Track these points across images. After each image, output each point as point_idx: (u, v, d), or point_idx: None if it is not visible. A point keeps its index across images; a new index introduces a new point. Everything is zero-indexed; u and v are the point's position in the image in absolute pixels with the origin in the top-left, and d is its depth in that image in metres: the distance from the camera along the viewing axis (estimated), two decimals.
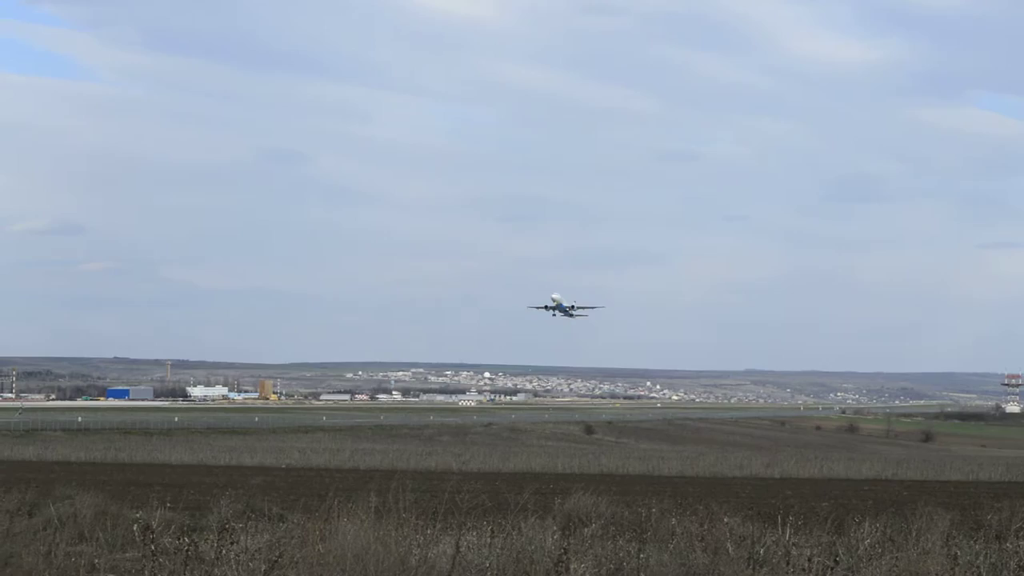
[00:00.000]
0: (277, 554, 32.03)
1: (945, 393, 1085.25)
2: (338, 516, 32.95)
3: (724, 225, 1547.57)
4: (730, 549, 37.18)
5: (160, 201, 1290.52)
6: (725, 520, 41.00)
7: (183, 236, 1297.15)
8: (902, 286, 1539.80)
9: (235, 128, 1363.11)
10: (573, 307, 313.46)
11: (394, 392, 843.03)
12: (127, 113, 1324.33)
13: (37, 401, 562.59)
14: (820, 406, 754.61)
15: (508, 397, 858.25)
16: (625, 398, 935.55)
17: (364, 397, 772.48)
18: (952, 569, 34.11)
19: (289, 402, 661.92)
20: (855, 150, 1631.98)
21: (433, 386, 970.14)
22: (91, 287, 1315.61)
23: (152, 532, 37.46)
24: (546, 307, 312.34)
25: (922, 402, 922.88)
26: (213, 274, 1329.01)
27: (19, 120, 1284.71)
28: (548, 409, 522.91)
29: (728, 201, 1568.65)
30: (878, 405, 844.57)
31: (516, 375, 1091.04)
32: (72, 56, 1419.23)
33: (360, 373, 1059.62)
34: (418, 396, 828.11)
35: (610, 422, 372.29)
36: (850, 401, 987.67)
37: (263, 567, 31.16)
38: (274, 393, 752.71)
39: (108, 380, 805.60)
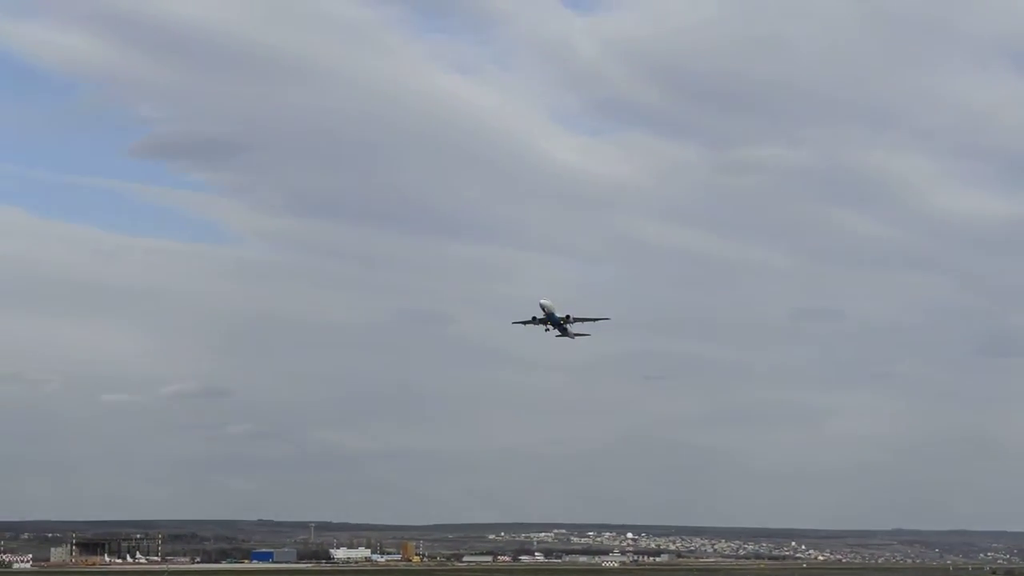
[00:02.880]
0: None
1: None
2: None
3: (868, 382, 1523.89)
4: None
5: (305, 363, 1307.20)
6: None
7: (326, 398, 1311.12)
8: None
9: (378, 289, 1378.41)
10: (568, 318, 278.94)
11: (536, 553, 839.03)
12: (273, 276, 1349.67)
13: (183, 564, 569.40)
14: (970, 566, 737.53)
15: (651, 558, 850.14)
16: (770, 559, 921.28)
17: (506, 558, 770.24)
18: None
19: (431, 564, 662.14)
20: (1003, 305, 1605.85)
21: (576, 547, 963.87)
22: (236, 449, 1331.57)
23: None
24: (534, 319, 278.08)
25: None
26: (356, 435, 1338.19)
27: (169, 285, 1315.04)
28: (692, 571, 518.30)
29: (872, 357, 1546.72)
30: None
31: (659, 535, 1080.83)
32: (219, 221, 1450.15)
33: (502, 534, 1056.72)
34: (561, 557, 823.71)
35: None
36: (1000, 561, 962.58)
37: None
38: (416, 555, 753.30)
39: (252, 542, 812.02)
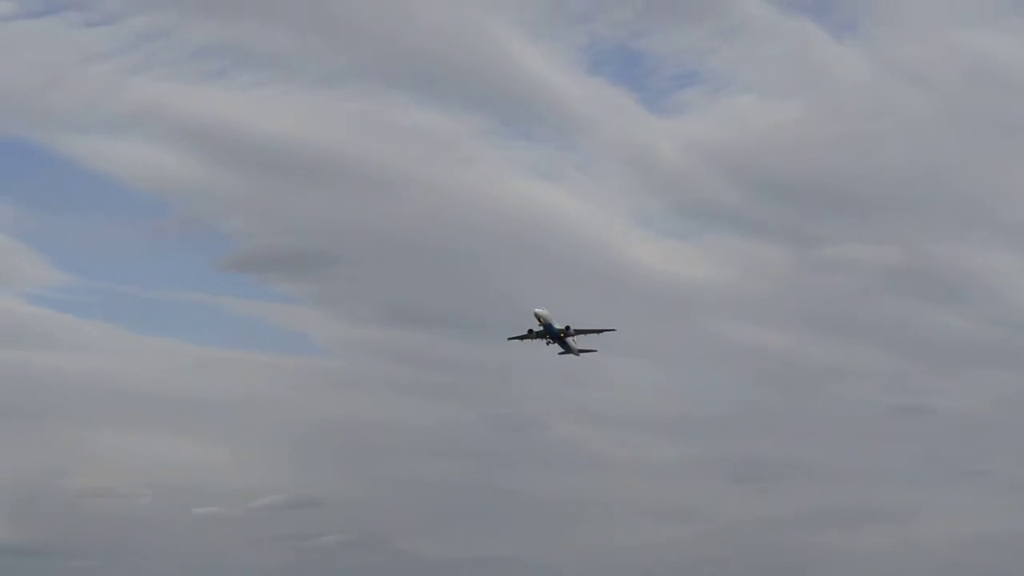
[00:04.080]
0: None
1: None
2: None
3: (964, 480, 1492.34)
4: None
5: (394, 471, 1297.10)
6: None
7: (415, 506, 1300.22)
8: None
9: (464, 396, 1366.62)
10: (568, 330, 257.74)
11: None
12: (361, 386, 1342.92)
13: None
14: None
15: None
16: None
17: None
18: None
19: None
20: None
21: None
22: (327, 560, 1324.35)
23: None
24: (530, 332, 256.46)
25: None
26: (445, 543, 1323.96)
27: (258, 396, 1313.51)
28: None
29: (966, 455, 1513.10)
30: None
31: None
32: (307, 332, 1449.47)
33: None
34: None
35: None
36: None
37: None
38: None
39: None
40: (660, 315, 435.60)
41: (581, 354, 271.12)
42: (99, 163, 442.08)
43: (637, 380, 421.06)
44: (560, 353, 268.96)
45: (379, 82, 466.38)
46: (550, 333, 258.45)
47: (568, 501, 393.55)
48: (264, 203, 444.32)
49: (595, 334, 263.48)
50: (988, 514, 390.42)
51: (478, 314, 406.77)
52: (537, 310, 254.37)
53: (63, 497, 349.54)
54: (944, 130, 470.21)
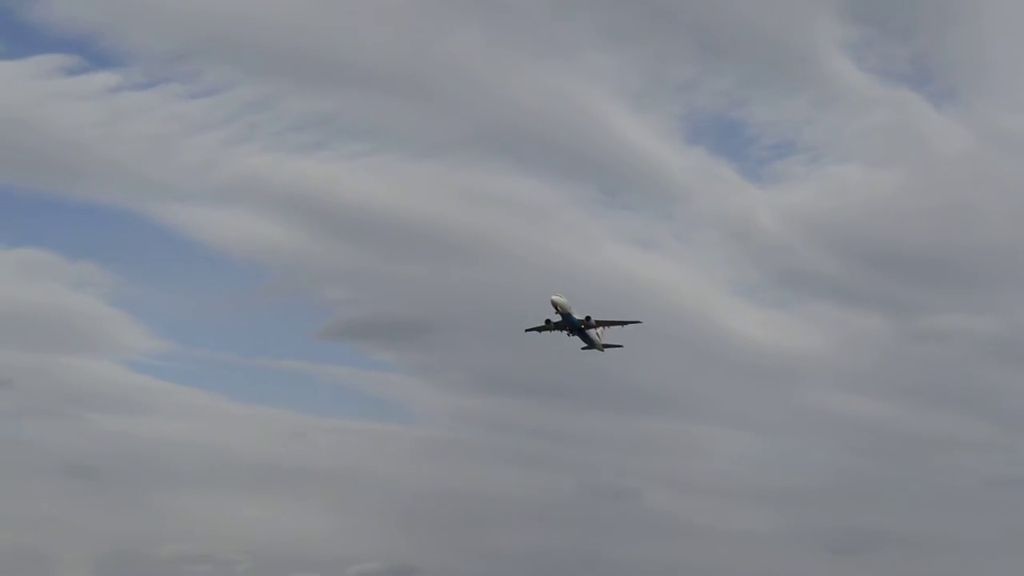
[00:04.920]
0: None
1: None
2: None
3: None
4: None
5: (489, 540, 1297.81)
6: None
7: (511, 575, 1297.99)
8: None
9: (563, 465, 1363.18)
10: (588, 320, 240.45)
11: None
12: (458, 455, 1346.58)
13: None
14: None
15: None
16: None
17: None
18: None
19: None
20: None
21: None
22: None
23: None
24: (548, 323, 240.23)
25: None
26: None
27: (356, 464, 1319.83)
28: None
29: None
30: None
31: None
32: (405, 401, 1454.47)
33: None
34: None
35: None
36: None
37: None
38: None
39: None
40: (758, 385, 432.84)
41: (606, 349, 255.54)
42: (200, 232, 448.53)
43: (734, 449, 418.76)
44: (583, 348, 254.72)
45: (479, 152, 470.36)
46: (569, 324, 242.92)
47: (665, 571, 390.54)
48: (364, 272, 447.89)
49: (619, 326, 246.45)
50: None
51: (573, 382, 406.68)
52: (554, 297, 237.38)
53: (161, 564, 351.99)
54: None
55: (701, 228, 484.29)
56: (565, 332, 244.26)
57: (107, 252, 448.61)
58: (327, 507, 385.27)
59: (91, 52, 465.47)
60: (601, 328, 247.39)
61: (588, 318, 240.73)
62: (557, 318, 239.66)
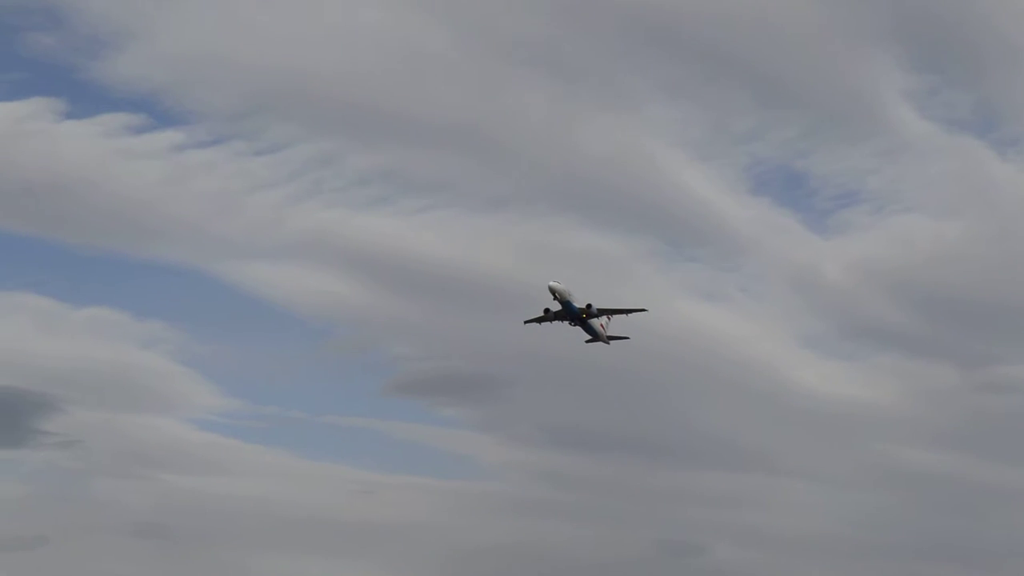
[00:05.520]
0: None
1: None
2: None
3: None
4: None
5: None
6: None
7: None
8: None
9: (630, 520, 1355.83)
10: (589, 309, 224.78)
11: None
12: (525, 509, 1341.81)
13: None
14: None
15: None
16: None
17: None
18: None
19: None
20: None
21: None
22: None
23: None
24: (547, 312, 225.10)
25: None
26: None
27: (422, 520, 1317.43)
28: None
29: None
30: None
31: None
32: (472, 456, 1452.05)
33: None
34: None
35: None
36: None
37: None
38: None
39: None
40: (826, 437, 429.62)
41: (612, 342, 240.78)
42: (266, 289, 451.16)
43: (803, 502, 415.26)
44: (587, 341, 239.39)
45: (544, 206, 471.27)
46: (570, 313, 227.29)
47: None
48: (429, 327, 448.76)
49: (623, 315, 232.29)
50: None
51: (640, 436, 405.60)
52: (551, 283, 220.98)
53: None
54: None
55: (766, 280, 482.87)
56: (566, 322, 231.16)
57: (174, 310, 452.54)
58: (395, 563, 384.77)
59: (156, 110, 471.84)
60: (606, 318, 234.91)
61: (589, 306, 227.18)
62: (557, 307, 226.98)
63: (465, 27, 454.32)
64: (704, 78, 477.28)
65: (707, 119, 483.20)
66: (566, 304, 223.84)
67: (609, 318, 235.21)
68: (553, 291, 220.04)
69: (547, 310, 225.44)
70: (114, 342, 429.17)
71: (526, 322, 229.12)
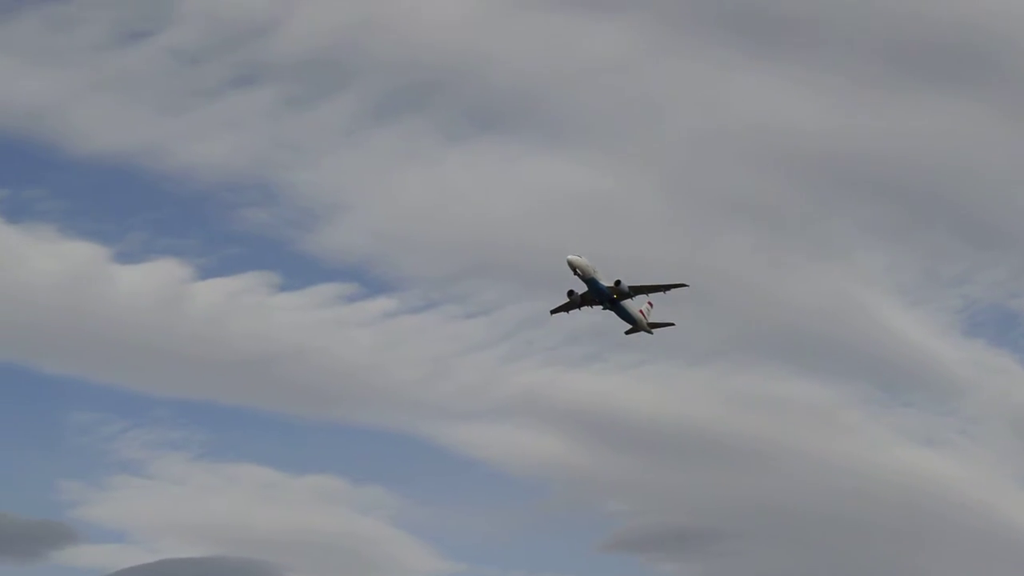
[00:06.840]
0: None
1: None
2: None
3: None
4: None
5: None
6: None
7: None
8: None
9: None
10: (619, 286, 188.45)
11: None
12: None
13: None
14: None
15: None
16: None
17: None
18: None
19: None
20: None
21: None
22: None
23: None
24: (571, 295, 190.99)
25: None
26: None
27: None
28: None
29: None
30: None
31: None
32: None
33: None
34: None
35: None
36: None
37: None
38: None
39: None
40: None
41: (655, 331, 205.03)
42: (480, 451, 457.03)
43: None
44: (627, 332, 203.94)
45: (753, 355, 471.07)
46: (598, 293, 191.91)
47: None
48: (645, 482, 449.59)
49: (661, 292, 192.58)
50: None
51: None
52: (570, 257, 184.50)
53: None
54: None
55: (984, 422, 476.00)
56: (602, 307, 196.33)
57: (391, 475, 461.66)
58: None
59: (367, 279, 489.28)
60: (647, 304, 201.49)
61: (618, 283, 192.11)
62: (582, 287, 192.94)
63: (672, 182, 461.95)
64: (910, 223, 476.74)
65: (916, 263, 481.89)
66: (591, 282, 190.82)
67: (651, 304, 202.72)
68: (573, 266, 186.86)
69: (572, 292, 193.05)
70: (334, 509, 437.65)
71: (552, 312, 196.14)
